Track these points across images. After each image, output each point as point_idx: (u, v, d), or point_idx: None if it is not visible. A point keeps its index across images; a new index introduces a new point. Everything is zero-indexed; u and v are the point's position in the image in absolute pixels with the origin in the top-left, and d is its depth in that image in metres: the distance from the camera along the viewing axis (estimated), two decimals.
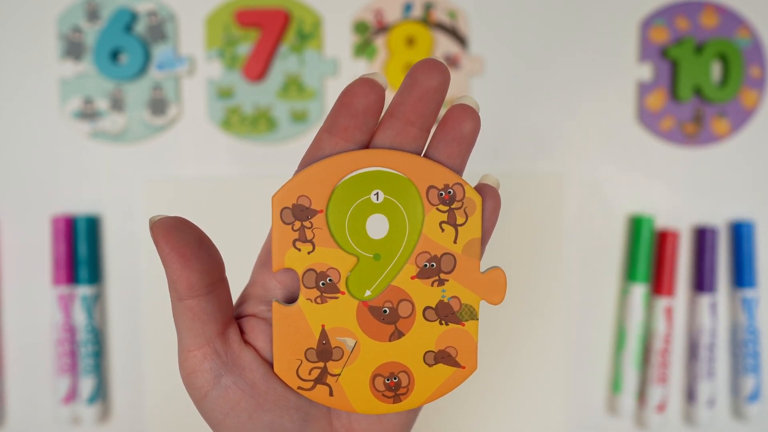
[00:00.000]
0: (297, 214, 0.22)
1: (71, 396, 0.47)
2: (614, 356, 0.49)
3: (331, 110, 0.21)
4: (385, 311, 0.23)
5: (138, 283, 0.48)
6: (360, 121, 0.21)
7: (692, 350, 0.49)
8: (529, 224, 0.48)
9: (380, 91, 0.21)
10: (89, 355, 0.47)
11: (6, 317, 0.48)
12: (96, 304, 0.47)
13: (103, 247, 0.48)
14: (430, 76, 0.21)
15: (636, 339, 0.48)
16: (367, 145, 0.22)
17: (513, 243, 0.48)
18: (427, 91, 0.21)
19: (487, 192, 0.23)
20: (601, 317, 0.49)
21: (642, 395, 0.49)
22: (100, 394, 0.47)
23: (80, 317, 0.46)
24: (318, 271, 0.22)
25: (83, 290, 0.47)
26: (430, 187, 0.22)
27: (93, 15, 0.47)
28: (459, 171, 0.23)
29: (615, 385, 0.49)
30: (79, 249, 0.47)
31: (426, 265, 0.23)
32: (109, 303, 0.48)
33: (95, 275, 0.47)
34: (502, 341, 0.48)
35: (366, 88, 0.21)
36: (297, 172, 0.22)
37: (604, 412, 0.50)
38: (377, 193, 0.22)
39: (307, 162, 0.22)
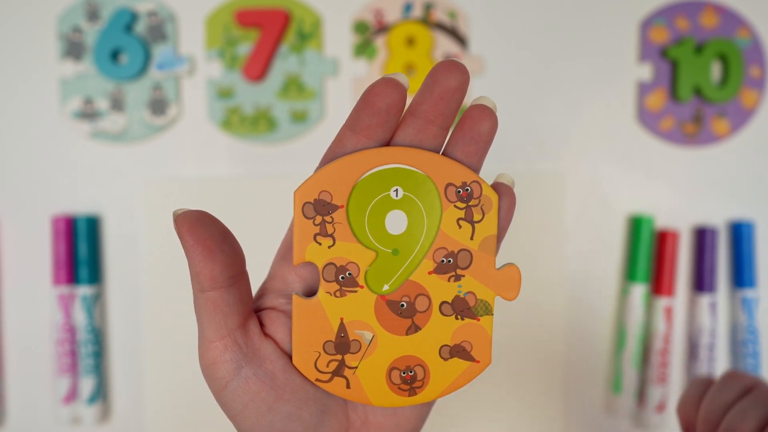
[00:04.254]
0: (318, 209, 0.23)
1: (71, 396, 0.47)
2: (614, 356, 0.49)
3: (353, 108, 0.22)
4: (402, 305, 0.23)
5: (138, 283, 0.48)
6: (382, 119, 0.22)
7: (692, 350, 0.49)
8: (529, 224, 0.48)
9: (402, 91, 0.21)
10: (89, 355, 0.47)
11: (6, 317, 0.48)
12: (96, 304, 0.47)
13: (103, 247, 0.48)
14: (450, 77, 0.21)
15: (636, 339, 0.48)
16: (387, 143, 0.23)
17: (513, 243, 0.48)
18: (446, 91, 0.21)
19: (503, 190, 0.23)
20: (601, 317, 0.49)
21: (641, 395, 0.49)
22: (100, 394, 0.47)
23: (80, 317, 0.47)
24: (338, 265, 0.23)
25: (83, 290, 0.47)
26: (449, 184, 0.23)
27: (93, 15, 0.47)
28: (476, 169, 0.23)
29: (615, 385, 0.49)
30: (79, 249, 0.47)
31: (443, 261, 0.23)
32: (109, 303, 0.48)
33: (95, 275, 0.47)
34: (502, 341, 0.48)
35: (389, 87, 0.21)
36: (318, 168, 0.23)
37: (604, 412, 0.50)
38: (397, 190, 0.23)
39: (328, 158, 0.23)
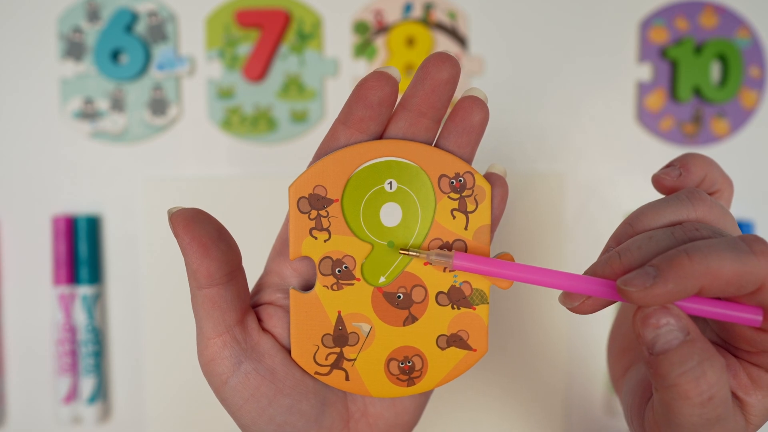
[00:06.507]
0: (313, 204, 0.23)
1: (72, 396, 0.47)
2: None
3: (346, 102, 0.22)
4: (399, 297, 0.24)
5: (138, 283, 0.48)
6: (374, 112, 0.22)
7: None
8: (529, 224, 0.48)
9: (394, 84, 0.22)
10: (90, 355, 0.47)
11: (6, 317, 0.48)
12: (96, 303, 0.47)
13: (103, 247, 0.48)
14: (441, 69, 0.21)
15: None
16: (380, 136, 0.23)
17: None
18: (438, 84, 0.22)
19: (496, 180, 0.24)
20: (601, 317, 0.49)
21: None
22: (101, 393, 0.47)
23: (81, 317, 0.47)
24: (334, 259, 0.23)
25: (84, 290, 0.47)
26: (442, 175, 0.23)
27: (93, 15, 0.47)
28: (469, 160, 0.23)
29: None
30: (80, 249, 0.47)
31: None
32: (109, 303, 0.48)
33: (95, 275, 0.47)
34: (502, 341, 0.48)
35: (381, 81, 0.21)
36: (312, 163, 0.23)
37: (604, 412, 0.50)
38: (390, 182, 0.23)
39: (322, 153, 0.23)
